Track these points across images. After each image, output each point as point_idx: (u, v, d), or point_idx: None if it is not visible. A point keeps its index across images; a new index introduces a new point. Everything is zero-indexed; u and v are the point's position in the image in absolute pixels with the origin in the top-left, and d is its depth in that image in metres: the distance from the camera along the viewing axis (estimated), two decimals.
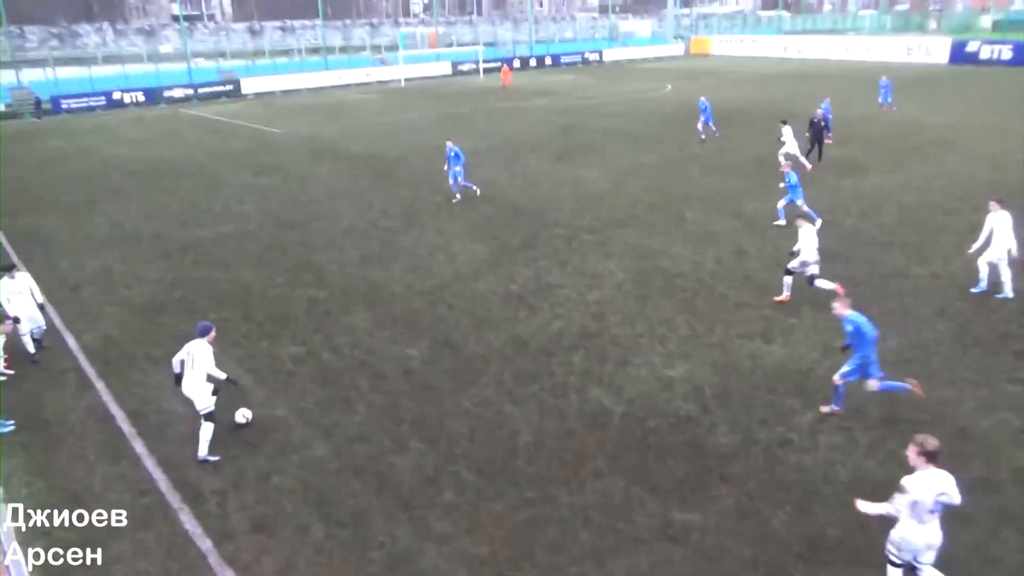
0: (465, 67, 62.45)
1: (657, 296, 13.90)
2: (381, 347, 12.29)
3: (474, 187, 20.90)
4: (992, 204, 13.08)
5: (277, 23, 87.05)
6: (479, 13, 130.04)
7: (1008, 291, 13.07)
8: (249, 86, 52.34)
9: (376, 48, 69.80)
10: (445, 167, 20.88)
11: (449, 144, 20.73)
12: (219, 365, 9.63)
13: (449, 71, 60.63)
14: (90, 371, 11.83)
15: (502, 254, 16.51)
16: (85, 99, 46.69)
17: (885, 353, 11.42)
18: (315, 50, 69.77)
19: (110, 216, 20.97)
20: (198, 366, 9.38)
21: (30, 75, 49.44)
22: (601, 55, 72.03)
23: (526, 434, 9.72)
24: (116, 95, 47.62)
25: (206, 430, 9.34)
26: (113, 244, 18.34)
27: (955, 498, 6.46)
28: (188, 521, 8.36)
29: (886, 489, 8.48)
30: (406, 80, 56.92)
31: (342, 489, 8.82)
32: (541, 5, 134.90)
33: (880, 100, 34.14)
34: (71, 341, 12.88)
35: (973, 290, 13.47)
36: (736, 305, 13.38)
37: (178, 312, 13.99)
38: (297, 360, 11.97)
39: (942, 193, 20.36)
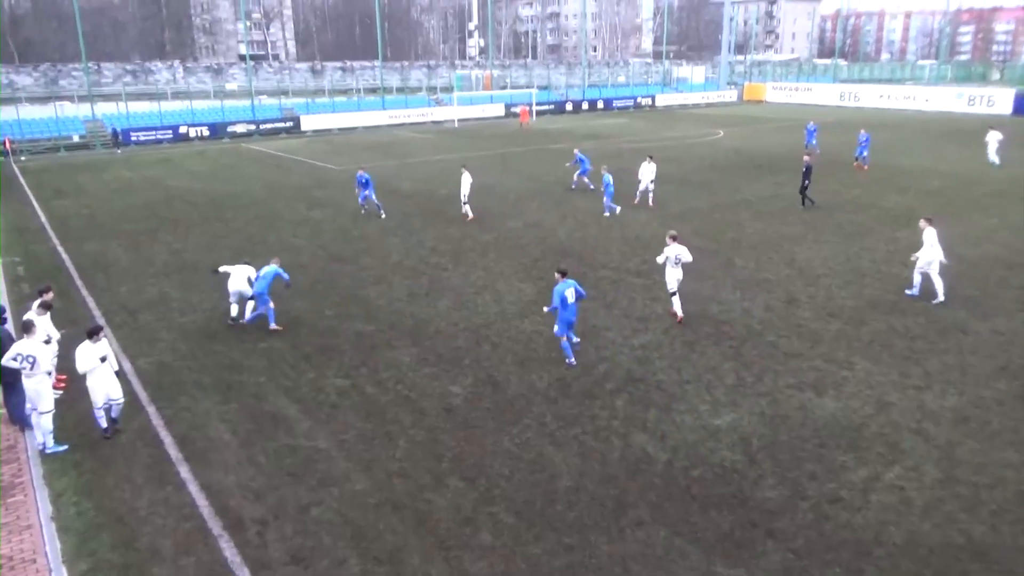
0: (518, 109, 63.36)
1: (704, 342, 13.68)
2: (424, 383, 12.32)
3: (382, 211, 23.99)
4: (922, 222, 15.79)
5: (338, 64, 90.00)
6: (533, 57, 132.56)
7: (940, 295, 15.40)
8: (309, 123, 53.97)
9: (432, 89, 71.50)
10: (356, 189, 24.00)
11: (361, 171, 24.52)
12: (266, 394, 9.76)
13: (502, 113, 61.58)
14: (142, 395, 12.12)
15: (548, 294, 16.43)
16: (153, 132, 48.70)
17: (942, 411, 11.03)
18: (373, 90, 71.78)
19: (170, 245, 21.66)
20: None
21: (104, 108, 51.90)
22: (653, 100, 72.45)
23: (567, 478, 9.58)
24: (183, 129, 49.57)
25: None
26: (171, 272, 18.90)
27: None
28: (228, 549, 8.42)
29: (943, 555, 8.12)
30: (459, 121, 57.99)
31: (380, 524, 8.79)
32: (595, 50, 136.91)
33: (856, 153, 32.61)
34: (127, 365, 13.23)
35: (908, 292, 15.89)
36: (786, 355, 13.08)
37: (229, 340, 14.28)
38: (342, 392, 12.07)
39: (1004, 246, 19.74)
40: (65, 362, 12.03)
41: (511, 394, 11.85)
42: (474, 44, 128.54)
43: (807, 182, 24.23)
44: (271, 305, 14.76)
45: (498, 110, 61.65)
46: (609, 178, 24.12)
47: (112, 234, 23.20)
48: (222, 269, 15.52)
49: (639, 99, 71.78)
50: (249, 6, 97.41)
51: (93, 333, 10.59)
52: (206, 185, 31.66)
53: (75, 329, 14.09)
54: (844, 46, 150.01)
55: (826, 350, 13.24)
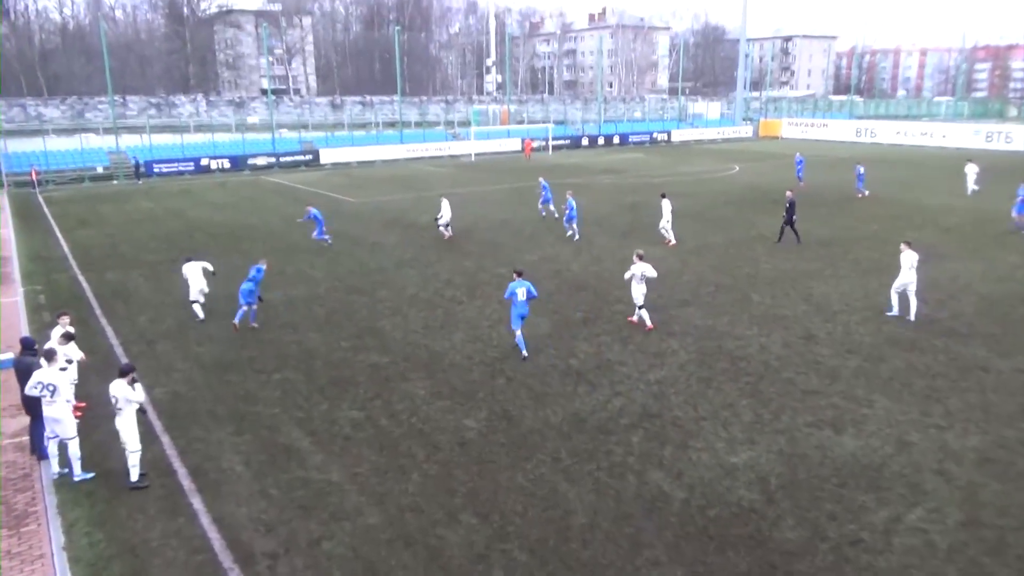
0: (535, 144, 63.94)
1: (721, 378, 13.55)
2: (438, 416, 12.27)
3: (328, 240, 24.97)
4: (902, 245, 16.85)
5: (357, 98, 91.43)
6: (550, 92, 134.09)
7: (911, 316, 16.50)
8: (328, 156, 54.73)
9: (450, 124, 72.38)
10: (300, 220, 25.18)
11: (310, 208, 25.37)
12: (279, 425, 9.75)
13: (519, 147, 62.12)
14: (157, 424, 12.15)
15: (563, 329, 16.46)
16: (175, 164, 49.58)
17: (964, 450, 10.81)
18: (392, 124, 72.79)
19: None
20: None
21: (128, 141, 52.97)
22: (669, 135, 72.91)
23: (581, 515, 9.45)
24: (204, 161, 50.41)
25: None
26: (189, 302, 19.02)
27: None
28: None
29: None
30: (476, 155, 58.55)
31: (392, 560, 8.69)
32: (611, 86, 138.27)
33: (858, 186, 34.62)
34: (141, 393, 13.27)
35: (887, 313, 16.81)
36: (804, 392, 12.92)
37: (244, 371, 14.32)
38: (356, 425, 12.04)
39: None
40: (82, 389, 12.10)
41: (525, 429, 11.77)
42: (492, 80, 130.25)
43: (793, 217, 24.28)
44: (254, 307, 16.73)
45: (515, 144, 62.23)
46: (573, 203, 25.67)
47: (133, 264, 23.48)
48: (185, 274, 17.25)
49: (655, 134, 72.24)
50: (272, 42, 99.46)
51: (125, 373, 10.17)
52: (226, 216, 32.05)
53: (93, 358, 14.21)
54: (860, 83, 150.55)
55: (845, 387, 13.07)
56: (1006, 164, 46.44)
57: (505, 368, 14.23)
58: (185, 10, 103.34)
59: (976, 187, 34.70)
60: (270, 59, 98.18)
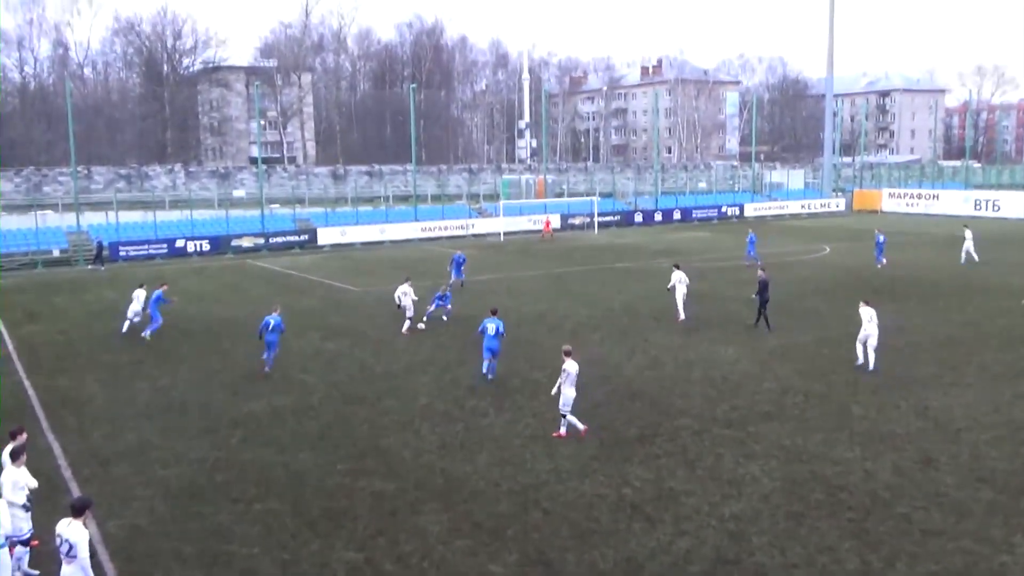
0: (577, 220, 64.93)
1: (816, 514, 13.18)
2: (457, 560, 12.04)
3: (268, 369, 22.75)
4: (861, 304, 22.00)
5: (364, 167, 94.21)
6: (595, 159, 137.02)
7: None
8: (326, 236, 56.03)
9: (474, 197, 74.00)
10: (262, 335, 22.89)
11: (275, 313, 22.97)
12: (259, 569, 9.61)
13: (558, 224, 63.07)
14: (109, 568, 12.07)
15: (614, 448, 16.24)
16: (145, 246, 51.08)
17: None
18: (404, 197, 74.66)
19: (155, 380, 22.18)
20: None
21: (91, 218, 54.88)
22: (742, 209, 73.68)
23: None
24: (179, 243, 51.90)
25: None
26: (154, 414, 19.26)
27: None
28: None
29: None
30: (505, 234, 59.53)
31: None
32: (669, 151, 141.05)
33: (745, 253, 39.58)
34: (92, 529, 13.27)
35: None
36: (924, 532, 12.49)
37: (218, 500, 14.28)
38: (353, 570, 11.85)
39: None
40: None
41: None
42: (525, 145, 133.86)
43: (765, 297, 26.17)
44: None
45: (553, 221, 63.20)
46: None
47: (89, 366, 23.90)
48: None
49: (724, 208, 73.02)
50: (265, 104, 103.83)
51: (81, 510, 10.02)
52: (203, 309, 32.67)
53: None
54: (976, 145, 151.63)
55: (976, 527, 12.62)
56: None
57: (541, 498, 14.02)
58: (165, 68, 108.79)
59: (975, 256, 40.41)
60: (262, 123, 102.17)
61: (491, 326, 20.85)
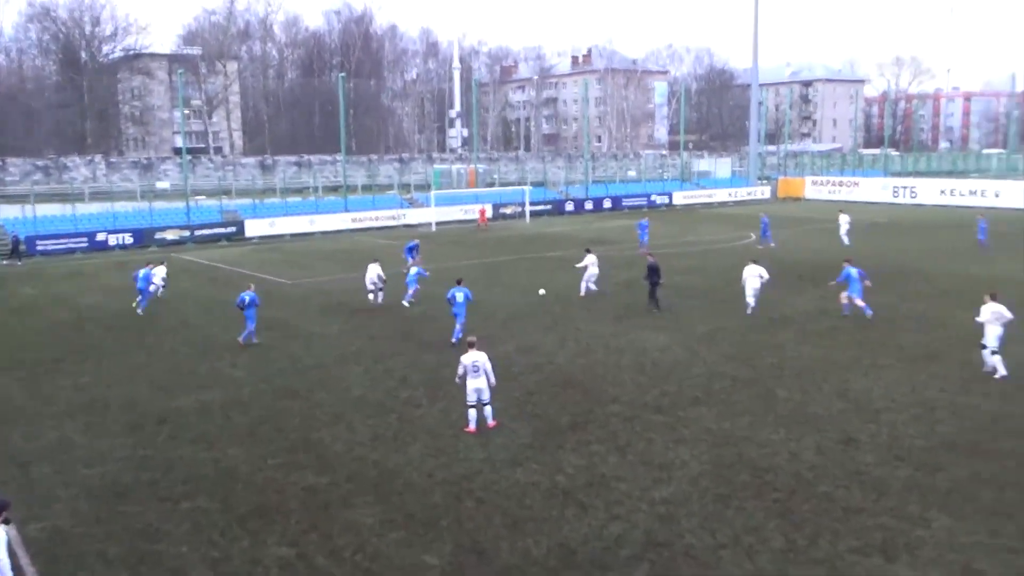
0: (509, 209, 65.06)
1: (743, 495, 13.49)
2: (391, 552, 12.02)
3: (254, 339, 24.62)
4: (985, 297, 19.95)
5: (292, 158, 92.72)
6: (526, 149, 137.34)
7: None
8: (254, 228, 55.12)
9: (405, 187, 73.51)
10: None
11: (250, 289, 24.93)
12: (188, 569, 9.48)
13: (490, 214, 63.09)
14: (31, 571, 11.73)
15: (547, 436, 16.37)
16: (65, 240, 49.53)
17: None
18: (334, 188, 73.76)
19: (76, 378, 21.56)
20: None
21: (7, 212, 52.93)
22: (671, 198, 74.77)
23: None
24: (101, 236, 50.43)
25: None
26: (76, 412, 18.74)
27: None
28: None
29: None
30: (437, 224, 59.34)
31: None
32: (600, 140, 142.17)
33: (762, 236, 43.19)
34: (12, 531, 12.88)
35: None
36: (845, 510, 12.89)
37: (145, 499, 13.99)
38: (285, 565, 11.74)
39: None
40: None
41: (501, 565, 11.56)
42: (456, 134, 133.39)
43: (657, 281, 27.49)
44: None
45: (485, 211, 63.10)
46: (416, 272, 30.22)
47: (5, 366, 23.12)
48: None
49: (653, 196, 73.97)
50: (189, 92, 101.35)
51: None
52: (126, 303, 31.88)
53: None
54: (895, 134, 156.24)
55: (895, 503, 13.07)
56: None
57: (475, 488, 14.06)
58: (83, 55, 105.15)
59: (847, 239, 43.23)
60: (186, 112, 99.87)
61: (459, 295, 23.32)
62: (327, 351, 23.71)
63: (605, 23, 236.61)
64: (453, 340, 23.03)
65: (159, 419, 18.05)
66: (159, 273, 31.80)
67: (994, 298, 19.62)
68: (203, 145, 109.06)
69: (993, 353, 19.45)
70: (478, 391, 16.57)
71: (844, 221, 44.64)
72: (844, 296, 25.98)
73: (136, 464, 15.54)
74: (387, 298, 29.95)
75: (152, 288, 30.87)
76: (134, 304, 29.89)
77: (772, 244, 43.48)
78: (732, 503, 13.25)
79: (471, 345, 16.88)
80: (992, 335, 19.44)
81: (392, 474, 14.78)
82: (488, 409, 16.78)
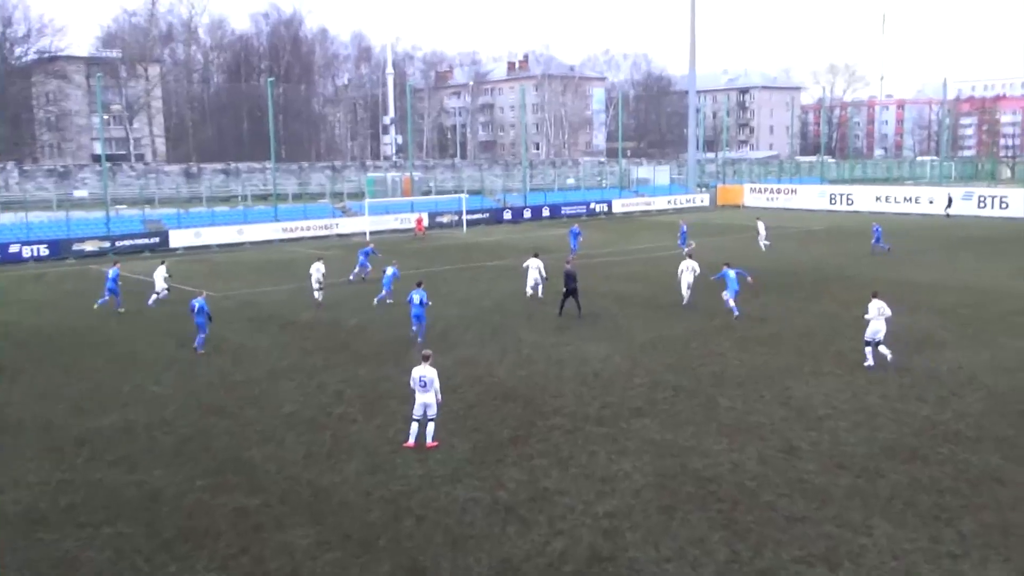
0: (445, 218, 64.96)
1: (686, 507, 13.61)
2: (327, 574, 11.84)
3: (200, 351, 24.73)
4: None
5: (219, 165, 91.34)
6: (463, 156, 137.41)
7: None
8: (179, 238, 54.03)
9: (337, 196, 72.88)
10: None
11: (200, 297, 25.46)
12: None
13: (426, 223, 62.89)
14: None
15: (487, 451, 16.32)
16: None
17: None
18: (264, 197, 72.77)
19: None
20: None
21: None
22: (610, 206, 75.44)
23: None
24: (13, 248, 48.86)
25: None
26: None
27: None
28: None
29: None
30: (372, 233, 58.90)
31: None
32: (538, 147, 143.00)
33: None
34: None
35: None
36: (788, 519, 13.10)
37: (63, 526, 13.56)
38: None
39: None
40: None
41: None
42: (390, 141, 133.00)
43: (571, 287, 27.94)
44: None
45: (423, 219, 62.82)
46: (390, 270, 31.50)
47: None
48: None
49: (592, 204, 74.59)
50: (108, 97, 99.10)
51: None
52: (42, 318, 30.99)
53: None
54: (831, 141, 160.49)
55: (837, 511, 13.32)
56: (1007, 233, 49.70)
57: (413, 505, 13.94)
58: None
59: (766, 243, 45.65)
60: (105, 117, 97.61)
61: (416, 296, 24.76)
62: (257, 366, 23.32)
63: (542, 28, 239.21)
64: (418, 338, 24.78)
65: (78, 440, 17.52)
66: (160, 273, 33.06)
67: (876, 296, 21.72)
68: (124, 152, 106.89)
69: (878, 344, 21.30)
70: (425, 406, 16.47)
71: (761, 227, 46.55)
72: (724, 294, 28.00)
73: (54, 489, 15.04)
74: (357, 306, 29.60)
75: (159, 291, 32.67)
76: (95, 306, 31.38)
77: (686, 250, 44.15)
78: (676, 515, 13.36)
79: (425, 359, 16.79)
80: (874, 329, 21.32)
81: (327, 493, 14.57)
82: (431, 427, 16.62)
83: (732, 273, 27.73)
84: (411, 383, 16.66)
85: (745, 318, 27.56)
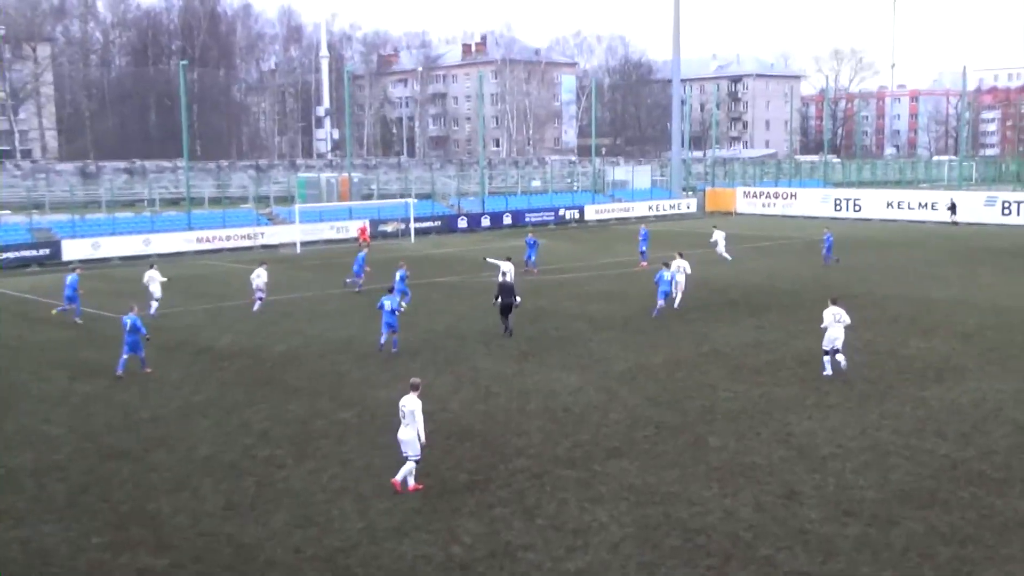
0: (390, 226, 64.84)
1: (671, 563, 13.65)
2: None
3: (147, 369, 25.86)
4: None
5: (122, 164, 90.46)
6: (410, 154, 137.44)
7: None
8: (74, 250, 53.41)
9: (263, 200, 72.48)
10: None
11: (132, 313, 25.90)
12: None
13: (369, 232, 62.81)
14: None
15: (440, 499, 16.27)
16: None
17: None
18: (175, 201, 72.21)
19: None
20: None
21: None
22: (582, 212, 75.81)
23: None
24: None
25: None
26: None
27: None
28: None
29: None
30: (303, 244, 58.67)
31: None
32: (498, 144, 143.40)
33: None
34: None
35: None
36: (789, 575, 13.20)
37: None
38: None
39: None
40: None
41: None
42: (325, 136, 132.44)
43: (508, 300, 29.21)
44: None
45: (366, 227, 62.69)
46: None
47: None
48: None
49: (562, 211, 74.87)
50: None
51: None
52: None
53: None
54: (835, 138, 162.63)
55: (844, 566, 13.41)
56: None
57: (352, 564, 13.86)
58: None
59: (728, 256, 47.93)
60: None
61: (387, 303, 26.80)
62: (167, 401, 23.08)
63: (502, 6, 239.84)
64: (392, 348, 27.01)
65: None
66: (155, 278, 34.40)
67: (835, 302, 24.07)
68: (7, 147, 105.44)
69: (836, 352, 23.56)
70: (402, 443, 16.50)
71: (720, 237, 48.87)
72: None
73: None
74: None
75: (158, 298, 34.13)
76: (54, 312, 33.68)
77: (644, 263, 45.73)
78: (659, 572, 13.37)
79: (413, 388, 16.89)
80: (832, 337, 23.56)
81: (250, 550, 14.43)
82: (405, 467, 16.52)
83: (667, 275, 31.89)
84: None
85: (738, 343, 27.81)
